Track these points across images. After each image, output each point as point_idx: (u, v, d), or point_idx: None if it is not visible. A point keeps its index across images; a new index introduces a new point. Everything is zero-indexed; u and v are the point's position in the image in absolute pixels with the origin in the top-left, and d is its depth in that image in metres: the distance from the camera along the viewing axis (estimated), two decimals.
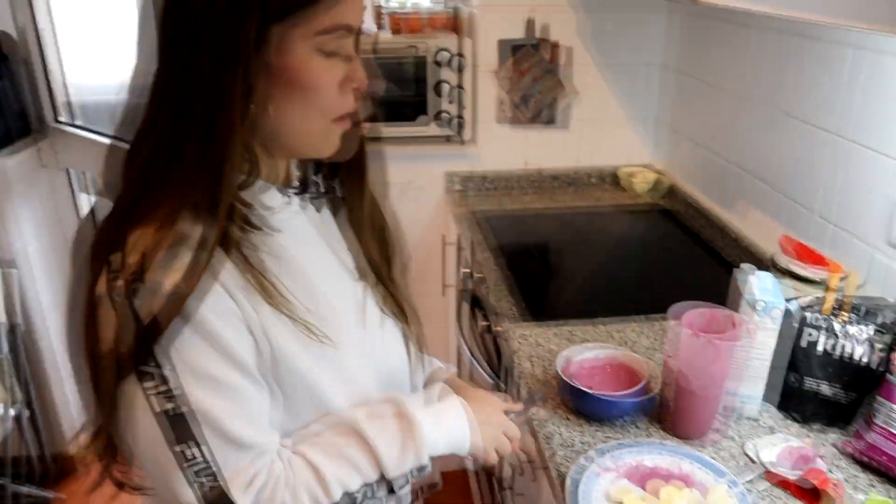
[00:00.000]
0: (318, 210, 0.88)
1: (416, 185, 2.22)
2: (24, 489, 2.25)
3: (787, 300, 1.15)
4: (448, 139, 2.20)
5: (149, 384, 0.68)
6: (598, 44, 2.15)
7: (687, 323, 1.11)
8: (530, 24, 2.08)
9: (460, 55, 2.09)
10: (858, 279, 1.28)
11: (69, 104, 2.47)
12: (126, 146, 0.72)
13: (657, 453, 1.05)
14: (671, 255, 1.90)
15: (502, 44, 2.09)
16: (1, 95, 2.20)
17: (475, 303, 1.89)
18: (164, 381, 0.68)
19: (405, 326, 0.95)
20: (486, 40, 2.09)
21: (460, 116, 2.18)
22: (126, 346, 0.67)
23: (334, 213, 0.91)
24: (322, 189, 0.89)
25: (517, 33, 2.09)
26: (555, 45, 2.11)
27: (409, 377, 0.95)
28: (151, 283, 0.67)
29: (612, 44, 2.15)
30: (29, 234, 2.23)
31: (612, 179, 2.30)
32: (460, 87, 2.14)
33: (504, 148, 2.22)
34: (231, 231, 0.72)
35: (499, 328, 1.44)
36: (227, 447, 0.71)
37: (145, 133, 0.72)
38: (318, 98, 0.73)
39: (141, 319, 0.66)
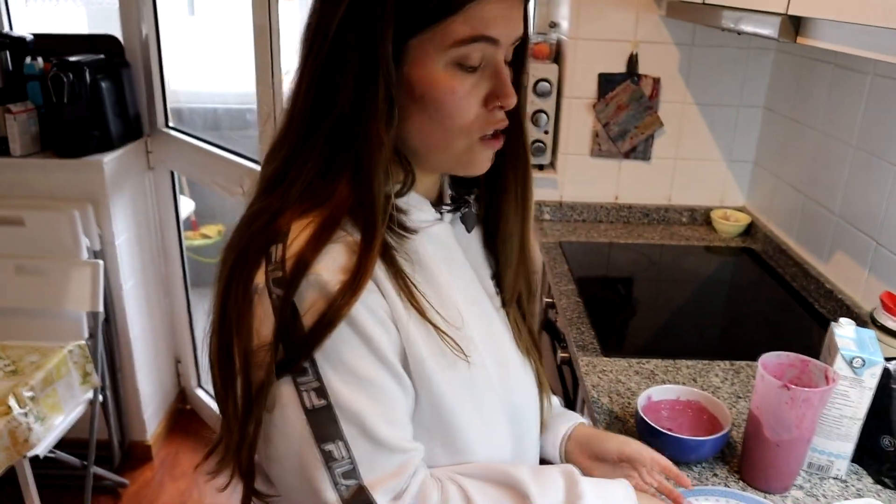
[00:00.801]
0: (468, 230, 0.86)
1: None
2: (100, 471, 2.36)
3: (887, 359, 1.10)
4: (541, 168, 2.21)
5: (303, 379, 0.67)
6: (700, 81, 2.12)
7: (772, 370, 1.08)
8: (632, 59, 2.08)
9: (560, 86, 2.10)
10: None
11: (173, 110, 2.61)
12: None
13: (735, 501, 1.03)
14: (761, 302, 1.85)
15: (602, 77, 2.10)
16: (121, 100, 2.35)
17: (554, 333, 1.88)
18: (318, 377, 0.67)
19: (537, 364, 0.92)
20: (585, 72, 2.10)
21: (555, 147, 2.19)
22: (284, 341, 0.66)
23: (486, 235, 0.89)
24: (473, 209, 0.86)
25: (618, 67, 2.09)
26: (656, 81, 2.10)
27: (537, 417, 0.92)
28: (314, 279, 0.66)
29: (715, 82, 2.12)
30: (120, 228, 2.35)
31: (703, 219, 2.26)
32: (557, 117, 2.15)
33: (595, 180, 2.22)
34: (386, 235, 0.72)
35: (579, 361, 1.43)
36: (374, 449, 0.69)
37: (286, 143, 0.73)
38: (454, 114, 0.71)
39: (300, 316, 0.66)
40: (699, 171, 2.23)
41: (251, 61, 2.00)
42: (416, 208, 0.78)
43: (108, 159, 2.26)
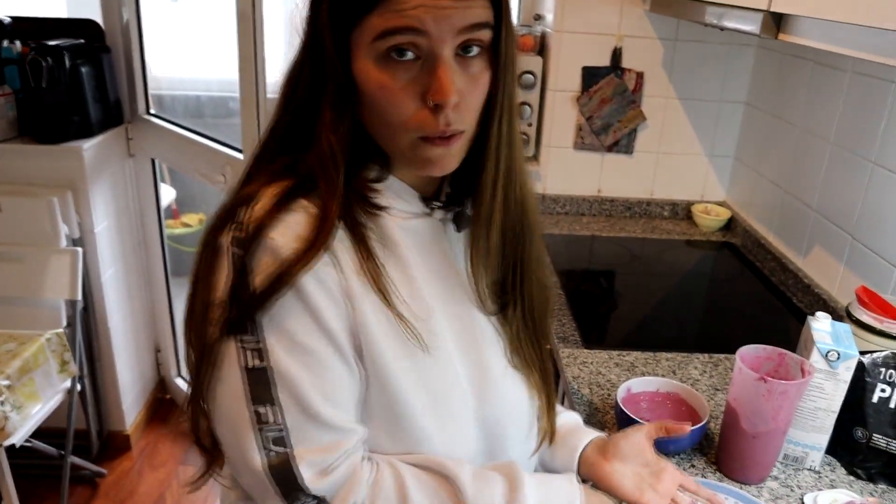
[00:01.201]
0: (458, 230, 0.84)
1: None
2: (77, 461, 2.34)
3: (862, 353, 1.12)
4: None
5: (246, 338, 0.69)
6: (683, 76, 2.13)
7: (749, 362, 1.10)
8: (616, 53, 2.08)
9: (544, 78, 2.10)
10: None
11: (154, 97, 2.59)
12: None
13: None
14: (739, 295, 1.87)
15: (586, 70, 2.10)
16: (101, 85, 2.32)
17: None
18: (260, 339, 0.69)
19: (531, 378, 0.88)
20: (569, 65, 2.10)
21: (538, 139, 2.20)
22: (235, 299, 0.68)
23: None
24: (468, 210, 0.83)
25: (602, 61, 2.10)
26: (639, 75, 2.11)
27: (522, 434, 0.88)
28: (268, 242, 0.68)
29: (698, 77, 2.14)
30: (100, 216, 2.33)
31: (684, 213, 2.28)
32: (541, 110, 2.15)
33: (578, 173, 2.22)
34: (356, 211, 0.74)
35: (559, 352, 1.44)
36: (306, 420, 0.70)
37: (280, 115, 0.77)
38: (388, 108, 0.70)
39: (250, 275, 0.68)
40: (681, 166, 2.24)
41: (234, 48, 1.98)
42: (400, 198, 0.79)
43: (88, 146, 2.23)
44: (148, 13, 2.46)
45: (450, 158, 0.73)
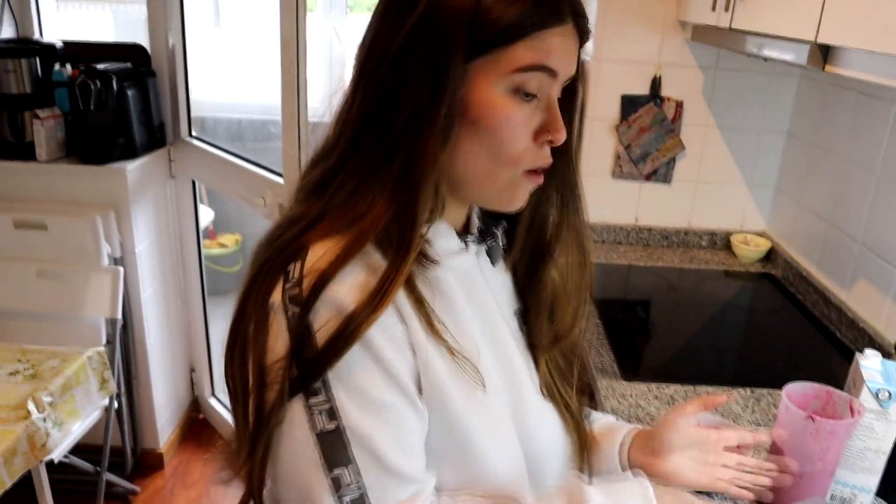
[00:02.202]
0: (493, 263, 0.84)
1: None
2: (112, 477, 2.36)
3: None
4: None
5: (314, 400, 0.65)
6: (723, 105, 2.12)
7: (796, 400, 1.07)
8: (656, 82, 2.08)
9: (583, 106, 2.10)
10: None
11: (196, 120, 2.64)
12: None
13: None
14: (780, 328, 1.84)
15: (625, 99, 2.10)
16: (146, 108, 2.38)
17: None
18: (330, 398, 0.65)
19: (565, 414, 0.87)
20: (608, 94, 2.10)
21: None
22: (297, 359, 0.65)
23: (518, 273, 0.87)
24: (500, 242, 0.84)
25: (641, 89, 2.09)
26: (678, 104, 2.10)
27: (560, 465, 0.88)
28: (331, 298, 0.64)
29: (738, 106, 2.12)
30: (141, 235, 2.37)
31: (723, 244, 2.25)
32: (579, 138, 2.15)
33: (616, 202, 2.21)
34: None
35: (598, 384, 1.42)
36: (385, 476, 0.67)
37: (333, 153, 0.72)
38: (506, 141, 0.69)
39: (314, 334, 0.64)
40: (720, 195, 2.22)
41: (275, 72, 2.01)
42: (442, 237, 0.76)
43: (132, 167, 2.28)
44: (192, 37, 2.52)
45: (528, 195, 0.76)
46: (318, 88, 3.09)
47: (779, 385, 1.47)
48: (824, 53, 1.24)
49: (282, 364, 0.65)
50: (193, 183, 2.61)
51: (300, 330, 0.65)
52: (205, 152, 2.46)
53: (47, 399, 1.84)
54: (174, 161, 2.54)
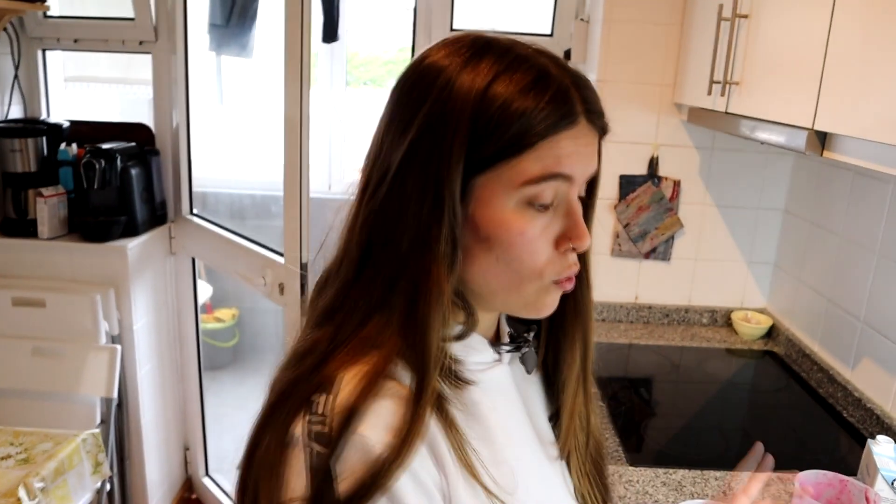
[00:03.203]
0: (528, 371, 0.79)
1: None
2: None
3: None
4: None
5: None
6: (720, 184, 2.15)
7: (810, 490, 1.05)
8: (653, 162, 2.11)
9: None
10: None
11: (198, 196, 2.66)
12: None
13: None
14: (785, 408, 1.82)
15: (624, 179, 2.13)
16: (149, 186, 2.40)
17: None
18: None
19: None
20: (606, 173, 2.10)
21: None
22: (315, 500, 0.59)
23: (545, 378, 0.82)
24: (534, 347, 0.79)
25: (639, 169, 2.13)
26: (676, 183, 2.13)
27: None
28: (358, 441, 0.59)
29: (734, 184, 2.15)
30: (139, 313, 2.36)
31: (724, 321, 2.25)
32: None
33: (615, 280, 2.22)
34: (440, 386, 0.65)
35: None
36: None
37: (337, 278, 0.68)
38: (524, 257, 0.65)
39: (338, 481, 0.58)
40: (719, 272, 2.23)
41: (277, 148, 2.04)
42: (475, 350, 0.71)
43: (133, 245, 2.28)
44: (195, 115, 2.56)
45: (558, 299, 0.71)
46: (320, 164, 3.13)
47: (788, 468, 1.44)
48: (822, 139, 1.26)
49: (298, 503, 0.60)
50: (193, 260, 2.61)
51: (323, 474, 0.59)
52: (205, 230, 2.48)
53: (39, 485, 1.79)
54: (175, 238, 2.55)
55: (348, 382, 0.61)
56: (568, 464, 0.81)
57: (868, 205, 1.74)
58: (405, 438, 0.59)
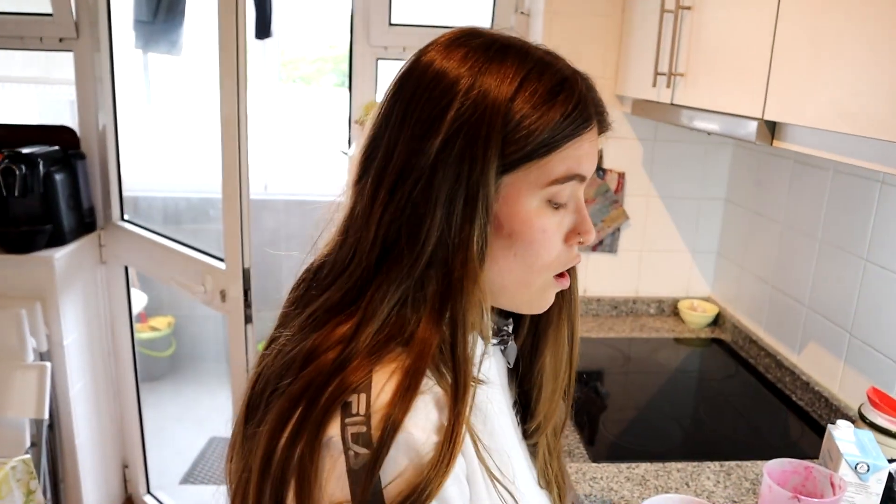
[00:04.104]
0: (510, 363, 0.81)
1: None
2: None
3: (888, 461, 1.09)
4: None
5: None
6: (663, 175, 2.17)
7: (777, 478, 1.06)
8: (598, 154, 2.11)
9: None
10: None
11: (128, 200, 2.54)
12: None
13: None
14: (738, 395, 1.84)
15: None
16: (75, 192, 2.27)
17: None
18: None
19: (553, 497, 0.86)
20: None
21: None
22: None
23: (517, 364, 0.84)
24: (513, 340, 0.82)
25: None
26: (620, 175, 2.13)
27: None
28: (407, 441, 0.58)
29: (677, 175, 2.17)
30: (69, 327, 2.23)
31: (671, 310, 2.27)
32: None
33: None
34: None
35: (567, 469, 1.38)
36: None
37: (352, 273, 0.67)
38: (542, 252, 0.68)
39: (386, 485, 0.57)
40: (665, 263, 2.25)
41: (213, 149, 1.96)
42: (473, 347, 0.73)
43: (60, 255, 2.16)
44: (123, 116, 2.44)
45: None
46: (255, 164, 3.03)
47: (745, 456, 1.46)
48: (772, 129, 1.27)
49: None
50: (126, 268, 2.49)
51: (366, 477, 0.57)
52: (138, 237, 2.36)
53: None
54: (105, 246, 2.43)
55: (387, 381, 0.60)
56: (535, 446, 0.84)
57: (808, 192, 1.77)
58: (452, 440, 0.59)
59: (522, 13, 2.20)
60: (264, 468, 0.62)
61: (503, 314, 0.80)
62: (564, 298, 0.80)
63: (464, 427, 0.61)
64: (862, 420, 1.28)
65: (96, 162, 2.38)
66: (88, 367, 2.37)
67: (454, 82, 0.64)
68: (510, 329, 0.80)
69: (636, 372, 1.96)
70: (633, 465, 1.40)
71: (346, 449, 0.58)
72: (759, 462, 1.42)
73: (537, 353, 0.82)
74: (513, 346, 0.81)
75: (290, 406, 0.62)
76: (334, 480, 0.58)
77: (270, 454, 0.62)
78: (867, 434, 1.12)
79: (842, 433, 1.11)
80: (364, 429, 0.58)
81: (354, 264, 0.67)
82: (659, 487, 1.33)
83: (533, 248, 0.67)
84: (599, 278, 2.23)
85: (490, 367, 0.76)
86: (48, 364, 2.09)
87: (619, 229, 2.19)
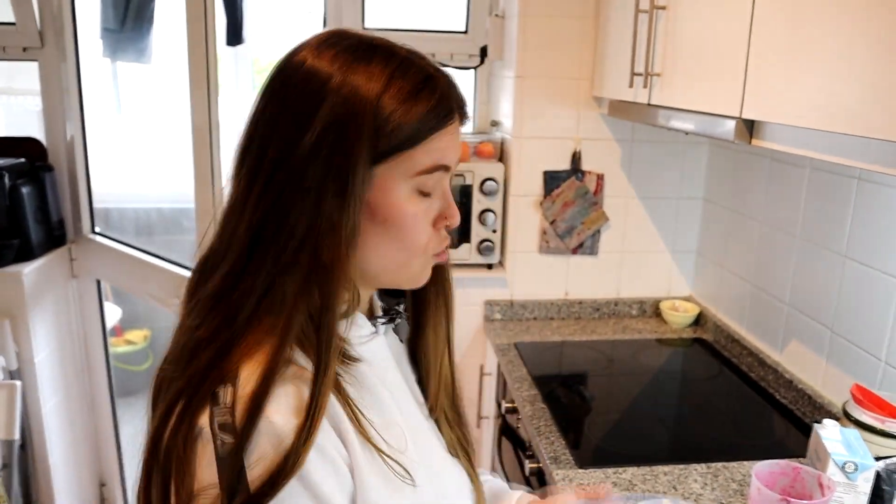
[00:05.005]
0: (402, 340, 0.87)
1: (455, 312, 2.17)
2: None
3: (875, 459, 1.08)
4: (490, 267, 2.18)
5: None
6: (642, 176, 2.16)
7: (765, 480, 1.04)
8: (576, 156, 2.10)
9: (506, 184, 2.10)
10: None
11: (100, 212, 2.48)
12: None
13: None
14: (721, 395, 1.83)
15: (548, 175, 2.11)
16: (43, 206, 2.22)
17: (516, 441, 1.80)
18: None
19: (471, 470, 0.90)
20: (530, 170, 2.11)
21: (503, 245, 2.17)
22: (229, 492, 0.63)
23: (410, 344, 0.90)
24: (405, 318, 0.88)
25: (562, 164, 2.11)
26: (599, 177, 2.12)
27: None
28: (268, 427, 0.63)
29: (655, 176, 2.17)
30: (40, 343, 2.18)
31: (653, 311, 2.26)
32: (504, 216, 2.14)
33: (544, 278, 2.20)
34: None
35: (554, 475, 1.36)
36: None
37: (224, 264, 0.71)
38: (413, 236, 0.74)
39: (249, 467, 0.63)
40: (645, 264, 2.24)
41: (185, 159, 1.92)
42: (356, 325, 0.78)
43: (28, 270, 2.10)
44: (92, 126, 2.39)
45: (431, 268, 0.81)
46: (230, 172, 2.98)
47: (732, 457, 1.45)
48: (750, 128, 1.26)
49: (210, 493, 0.64)
50: (98, 282, 2.43)
51: (234, 463, 0.63)
52: (110, 249, 2.31)
53: None
54: (76, 260, 2.37)
55: (252, 372, 0.65)
56: (437, 421, 0.89)
57: (786, 190, 1.77)
58: (311, 418, 0.64)
59: (497, 15, 2.19)
60: (149, 458, 0.68)
61: (393, 294, 0.87)
62: (439, 276, 0.84)
63: (324, 408, 0.66)
64: (847, 418, 1.27)
65: (65, 173, 2.33)
66: (61, 383, 2.32)
67: (326, 81, 0.69)
68: (401, 308, 0.86)
69: (620, 374, 1.94)
70: (620, 469, 1.39)
71: (215, 437, 0.64)
72: (745, 463, 1.41)
73: (420, 332, 0.88)
74: (404, 324, 0.87)
75: (174, 400, 0.67)
76: (205, 467, 0.64)
77: (156, 445, 0.67)
78: (853, 433, 1.11)
79: (828, 432, 1.10)
80: (229, 418, 0.64)
81: (231, 252, 0.70)
82: (646, 492, 1.31)
83: (404, 233, 0.73)
84: (581, 281, 2.22)
85: (380, 346, 0.81)
86: (18, 383, 2.03)
87: (599, 231, 2.17)
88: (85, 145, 2.37)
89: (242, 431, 0.63)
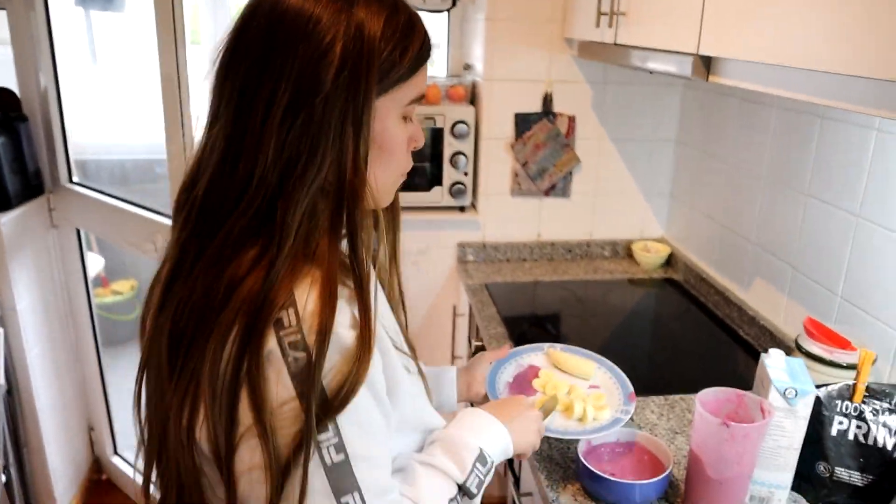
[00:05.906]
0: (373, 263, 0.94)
1: (428, 254, 2.20)
2: None
3: (817, 386, 1.12)
4: (462, 210, 2.20)
5: (323, 437, 0.70)
6: (614, 118, 2.17)
7: (709, 407, 1.08)
8: (547, 98, 2.10)
9: (477, 127, 2.10)
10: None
11: (77, 163, 2.48)
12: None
13: None
14: (687, 332, 1.88)
15: (519, 117, 2.11)
16: (19, 156, 2.22)
17: None
18: (338, 433, 0.71)
19: (424, 382, 0.97)
20: (501, 113, 2.11)
21: (475, 188, 2.19)
22: (307, 402, 0.68)
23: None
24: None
25: (533, 106, 2.12)
26: (571, 119, 2.13)
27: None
28: (335, 341, 0.70)
29: (628, 118, 2.17)
30: (21, 292, 2.20)
31: (625, 252, 2.29)
32: (476, 158, 2.15)
33: (517, 220, 2.22)
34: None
35: None
36: (382, 493, 0.75)
37: (256, 197, 0.73)
38: (401, 158, 0.84)
39: (325, 379, 0.69)
40: (618, 206, 2.27)
41: (158, 110, 1.92)
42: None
43: (6, 219, 2.11)
44: (67, 77, 2.37)
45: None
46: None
47: (691, 390, 1.49)
48: (707, 64, 1.27)
49: (291, 407, 0.69)
50: (78, 231, 2.45)
51: (309, 375, 0.69)
52: (88, 198, 2.32)
53: None
54: (55, 210, 2.38)
55: (309, 293, 0.71)
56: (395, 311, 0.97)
57: (754, 131, 1.78)
58: (367, 328, 0.72)
59: None
60: (213, 393, 0.70)
61: None
62: (393, 204, 0.92)
63: (372, 315, 0.73)
64: (798, 350, 1.31)
65: (39, 124, 2.32)
66: (45, 331, 2.35)
67: (333, 21, 0.73)
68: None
69: (590, 314, 1.98)
70: None
71: (286, 356, 0.69)
72: None
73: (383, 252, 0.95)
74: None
75: (223, 334, 0.70)
76: (281, 385, 0.69)
77: (215, 379, 0.70)
78: (798, 361, 1.15)
79: (773, 361, 1.13)
80: (298, 336, 0.69)
81: (254, 187, 0.73)
82: None
83: (395, 156, 0.82)
84: (553, 222, 2.25)
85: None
86: (0, 329, 2.07)
87: (571, 173, 2.19)
88: (59, 95, 2.35)
89: (316, 347, 0.69)
